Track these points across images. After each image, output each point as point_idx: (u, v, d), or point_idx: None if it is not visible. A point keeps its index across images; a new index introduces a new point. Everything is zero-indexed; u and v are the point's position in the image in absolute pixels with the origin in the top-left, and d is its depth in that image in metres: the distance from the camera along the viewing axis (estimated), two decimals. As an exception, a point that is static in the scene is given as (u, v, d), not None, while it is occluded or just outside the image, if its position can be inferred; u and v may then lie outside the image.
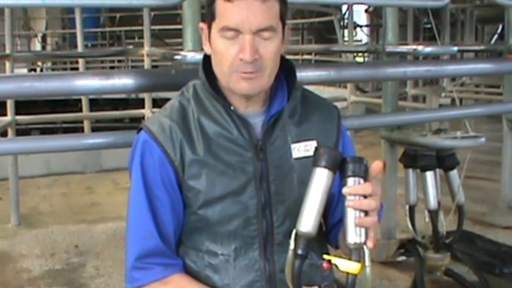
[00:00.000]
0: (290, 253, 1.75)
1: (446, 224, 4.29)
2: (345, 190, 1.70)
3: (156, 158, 1.97)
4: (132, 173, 2.01)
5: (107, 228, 5.88)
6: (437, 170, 4.30)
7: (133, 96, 13.06)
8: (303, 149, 2.03)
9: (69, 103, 11.86)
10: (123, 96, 13.20)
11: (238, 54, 1.87)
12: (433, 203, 4.22)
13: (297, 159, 2.02)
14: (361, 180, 1.70)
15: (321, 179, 1.71)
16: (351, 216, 1.70)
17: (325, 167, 1.71)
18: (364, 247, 1.70)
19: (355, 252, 1.71)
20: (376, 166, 1.73)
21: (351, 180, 1.70)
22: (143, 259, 1.97)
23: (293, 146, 2.03)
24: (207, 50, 2.01)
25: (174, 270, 1.99)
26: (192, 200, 1.98)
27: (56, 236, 5.72)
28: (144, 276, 1.97)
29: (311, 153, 1.91)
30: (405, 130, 4.62)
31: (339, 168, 1.72)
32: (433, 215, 4.23)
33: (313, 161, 1.74)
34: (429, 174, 4.24)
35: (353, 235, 1.70)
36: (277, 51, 1.93)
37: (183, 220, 2.03)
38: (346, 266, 1.71)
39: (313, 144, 2.02)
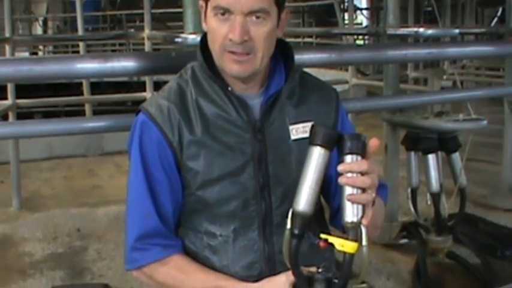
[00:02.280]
0: (287, 233, 1.74)
1: (448, 206, 4.30)
2: (340, 167, 1.67)
3: (154, 139, 1.96)
4: (131, 155, 2.01)
5: (109, 211, 5.87)
6: (439, 153, 4.30)
7: (135, 79, 13.07)
8: (301, 131, 2.02)
9: (71, 87, 11.83)
10: (125, 79, 13.21)
11: (228, 34, 1.86)
12: (435, 185, 4.23)
13: (295, 140, 2.01)
14: (359, 158, 1.67)
15: (316, 157, 1.69)
16: (347, 194, 1.68)
17: (320, 145, 1.69)
18: (362, 226, 1.68)
19: (351, 231, 1.68)
20: (373, 143, 1.70)
21: (348, 158, 1.67)
22: (142, 240, 1.97)
23: (291, 127, 2.02)
24: (205, 27, 1.99)
25: (173, 251, 1.99)
26: (191, 181, 1.98)
27: (58, 220, 5.72)
28: (143, 256, 1.98)
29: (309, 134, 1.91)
30: (407, 113, 4.61)
31: (337, 146, 1.70)
32: (435, 197, 4.23)
33: (309, 139, 1.72)
34: (431, 157, 4.25)
35: (349, 214, 1.68)
36: (269, 35, 1.91)
37: (182, 201, 2.03)
38: (342, 245, 1.69)
39: (310, 125, 2.00)
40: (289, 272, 1.79)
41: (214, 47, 1.92)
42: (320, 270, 1.78)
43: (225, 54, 1.89)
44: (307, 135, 1.94)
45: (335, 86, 2.36)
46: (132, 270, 2.02)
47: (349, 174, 1.66)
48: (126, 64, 2.72)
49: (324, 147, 1.69)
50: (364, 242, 1.68)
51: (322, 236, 1.74)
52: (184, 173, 1.97)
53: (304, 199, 1.71)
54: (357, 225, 1.68)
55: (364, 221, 1.68)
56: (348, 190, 1.67)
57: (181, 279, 1.97)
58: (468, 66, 10.65)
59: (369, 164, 1.67)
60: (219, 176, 1.95)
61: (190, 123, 1.96)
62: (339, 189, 1.71)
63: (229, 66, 1.90)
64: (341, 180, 1.67)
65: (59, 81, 12.71)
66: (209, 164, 1.95)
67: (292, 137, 2.02)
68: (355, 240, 1.68)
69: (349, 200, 1.67)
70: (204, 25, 1.99)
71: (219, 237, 2.00)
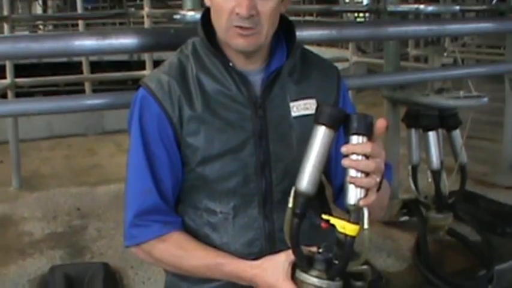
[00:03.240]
0: (288, 211, 1.72)
1: (449, 184, 4.29)
2: (343, 148, 1.64)
3: (154, 114, 1.95)
4: (131, 130, 1.99)
5: (109, 190, 5.86)
6: (440, 130, 4.28)
7: (135, 58, 13.03)
8: (302, 107, 2.01)
9: (71, 67, 11.80)
10: (125, 58, 13.17)
11: (235, 9, 1.85)
12: (435, 163, 4.22)
13: (296, 117, 2.00)
14: (365, 139, 1.63)
15: (321, 136, 1.67)
16: (349, 176, 1.65)
17: (325, 124, 1.66)
18: (364, 209, 1.66)
19: (353, 214, 1.66)
20: (380, 124, 1.66)
21: (354, 138, 1.64)
22: (142, 216, 1.96)
23: (292, 104, 2.01)
24: (207, 2, 1.98)
25: (172, 228, 1.98)
26: (190, 158, 1.96)
27: (58, 199, 5.71)
28: (142, 233, 1.97)
29: (310, 111, 1.92)
30: (407, 90, 4.60)
31: (343, 125, 1.67)
32: (436, 175, 4.22)
33: (314, 118, 1.70)
34: (432, 134, 4.23)
35: (352, 196, 1.66)
36: (275, 10, 1.91)
37: (182, 178, 2.02)
38: (344, 227, 1.67)
39: (312, 102, 2.01)
40: (289, 251, 1.78)
41: (220, 22, 1.90)
42: (321, 250, 1.77)
43: (231, 29, 1.88)
44: (308, 112, 1.95)
45: (336, 64, 2.35)
46: (130, 247, 2.02)
47: (354, 157, 1.63)
48: (124, 41, 2.69)
49: (329, 127, 1.66)
50: (365, 225, 1.66)
51: (324, 216, 1.71)
52: (184, 149, 1.96)
53: (307, 179, 1.69)
54: (359, 208, 1.66)
55: (361, 203, 1.65)
56: (352, 172, 1.64)
57: (180, 256, 1.96)
58: (469, 44, 10.63)
59: (375, 146, 1.63)
60: (219, 152, 1.94)
61: (190, 98, 1.95)
62: (342, 169, 1.68)
63: (235, 40, 1.89)
64: (344, 162, 1.64)
65: (58, 60, 12.70)
66: (209, 140, 1.93)
67: (293, 114, 2.00)
68: (357, 223, 1.66)
69: (351, 182, 1.65)
70: (206, 0, 1.98)
71: (219, 214, 2.00)
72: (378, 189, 1.71)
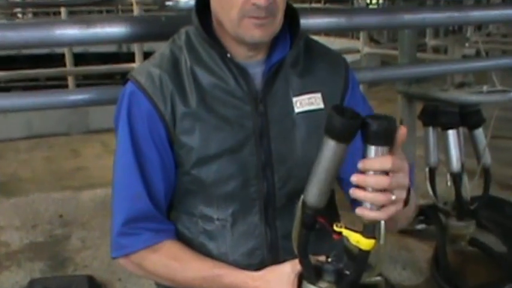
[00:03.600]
0: (296, 222, 1.71)
1: (471, 188, 4.28)
2: (359, 164, 1.57)
3: (144, 111, 1.94)
4: (119, 129, 1.99)
5: (95, 195, 5.88)
6: (461, 129, 4.28)
7: (124, 50, 13.06)
8: (306, 102, 2.01)
9: (53, 58, 11.83)
10: (112, 50, 13.20)
11: None
12: (456, 165, 4.21)
13: (299, 113, 2.00)
14: (385, 150, 1.56)
15: (331, 150, 1.60)
16: (362, 193, 1.59)
17: (336, 138, 1.58)
18: (381, 222, 1.61)
19: (368, 228, 1.62)
20: (401, 131, 1.56)
21: (372, 150, 1.56)
22: (131, 224, 1.96)
23: (295, 99, 2.01)
24: None
25: (165, 236, 1.99)
26: (185, 159, 1.96)
27: (38, 205, 5.73)
28: (132, 242, 1.97)
29: (315, 106, 1.94)
30: (425, 84, 4.59)
31: (361, 130, 1.57)
32: (456, 178, 4.21)
33: (324, 127, 1.65)
34: (451, 133, 4.22)
35: (366, 211, 1.60)
36: None
37: (175, 181, 2.02)
38: (358, 240, 1.63)
39: (317, 96, 2.01)
40: (295, 261, 1.78)
41: (230, 13, 1.88)
42: (330, 259, 1.76)
43: (244, 20, 1.86)
44: (313, 107, 1.96)
45: (346, 56, 2.34)
46: (118, 258, 2.01)
47: (371, 172, 1.57)
48: (111, 30, 2.69)
49: (341, 141, 1.58)
50: (382, 240, 1.62)
51: (336, 228, 1.68)
52: (178, 149, 1.96)
53: (316, 192, 1.65)
54: (374, 222, 1.61)
55: (379, 215, 1.59)
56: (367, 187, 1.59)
57: (174, 267, 1.96)
58: (494, 34, 10.62)
59: (396, 160, 1.56)
60: (215, 152, 1.94)
61: (184, 93, 1.94)
62: (353, 161, 1.66)
63: (250, 32, 1.88)
64: (353, 179, 1.58)
65: (39, 51, 12.72)
66: (205, 139, 1.93)
67: (297, 110, 2.00)
68: (372, 237, 1.62)
69: (365, 200, 1.60)
70: None
71: (216, 222, 2.00)
72: (405, 204, 1.69)
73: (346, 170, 1.73)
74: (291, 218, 1.74)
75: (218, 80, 1.95)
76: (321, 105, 2.02)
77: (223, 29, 1.94)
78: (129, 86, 1.98)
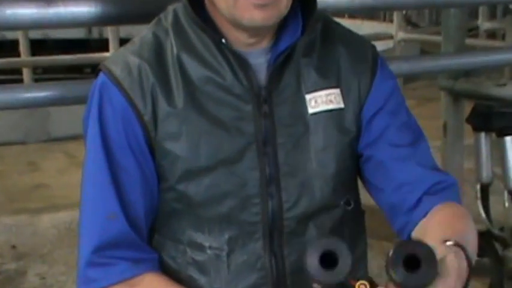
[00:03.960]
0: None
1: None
2: None
3: (118, 109, 1.94)
4: (88, 132, 1.98)
5: (58, 220, 5.88)
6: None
7: (95, 35, 13.04)
8: (323, 101, 2.01)
9: (4, 46, 11.84)
10: (80, 35, 13.18)
11: None
12: (515, 181, 4.22)
13: (314, 114, 2.00)
14: None
15: None
16: None
17: None
18: None
19: None
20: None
21: None
22: (103, 251, 1.93)
23: (309, 96, 2.01)
24: None
25: (145, 268, 1.96)
26: (168, 170, 1.96)
27: (-15, 233, 5.74)
28: (104, 275, 1.94)
29: (334, 105, 1.95)
30: (475, 78, 4.59)
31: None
32: (516, 197, 4.23)
33: None
34: (509, 141, 4.22)
35: None
36: None
37: (158, 198, 2.01)
38: None
39: (336, 93, 2.02)
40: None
41: None
42: None
43: (241, 0, 1.85)
44: (331, 106, 1.97)
45: (375, 43, 2.32)
46: (87, 295, 1.99)
47: None
48: (76, 10, 2.67)
49: None
50: None
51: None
52: (160, 158, 1.96)
53: None
54: None
55: None
56: None
57: (156, 308, 1.96)
58: None
59: None
60: (207, 164, 1.93)
61: (168, 88, 1.94)
62: (395, 173, 1.66)
63: (249, 14, 1.86)
64: None
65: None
66: (194, 146, 1.93)
67: (311, 110, 2.00)
68: None
69: None
70: None
71: (208, 251, 1.99)
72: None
73: (374, 172, 1.78)
74: (302, 247, 1.75)
75: (211, 73, 1.95)
76: (341, 104, 2.02)
77: (218, 10, 1.93)
78: (101, 78, 1.98)
